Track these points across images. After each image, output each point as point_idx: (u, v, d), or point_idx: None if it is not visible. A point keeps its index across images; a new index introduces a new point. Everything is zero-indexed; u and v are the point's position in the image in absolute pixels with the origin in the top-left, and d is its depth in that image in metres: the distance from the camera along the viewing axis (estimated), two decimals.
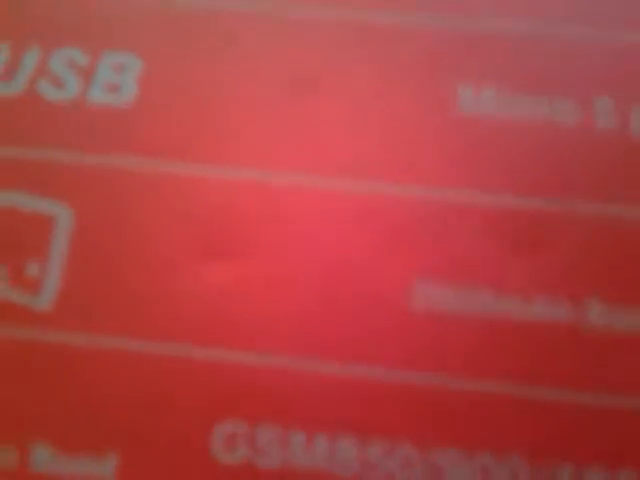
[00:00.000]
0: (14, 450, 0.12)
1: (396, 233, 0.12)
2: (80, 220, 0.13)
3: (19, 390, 0.12)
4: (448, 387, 0.12)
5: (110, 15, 0.14)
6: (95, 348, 0.12)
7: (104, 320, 0.13)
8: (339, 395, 0.12)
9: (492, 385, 0.12)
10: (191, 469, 0.12)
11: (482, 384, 0.12)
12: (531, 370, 0.12)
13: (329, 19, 0.13)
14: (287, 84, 0.13)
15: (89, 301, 0.13)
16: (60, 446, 0.12)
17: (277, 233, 0.13)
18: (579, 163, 0.13)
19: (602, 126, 0.13)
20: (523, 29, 0.13)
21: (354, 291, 0.12)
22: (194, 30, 0.14)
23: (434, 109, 0.13)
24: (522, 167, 0.13)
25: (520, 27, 0.13)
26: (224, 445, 0.12)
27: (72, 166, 0.13)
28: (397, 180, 0.13)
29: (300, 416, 0.12)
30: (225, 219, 0.13)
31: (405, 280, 0.12)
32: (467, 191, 0.13)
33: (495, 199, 0.13)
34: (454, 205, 0.13)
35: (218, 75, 0.13)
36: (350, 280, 0.12)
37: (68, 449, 0.12)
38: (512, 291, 0.12)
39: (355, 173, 0.13)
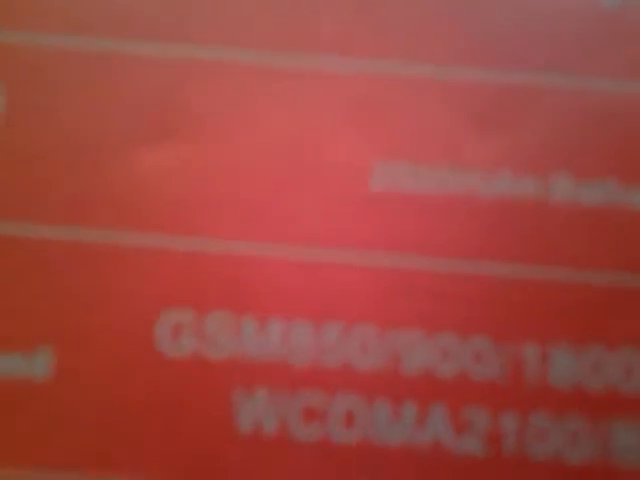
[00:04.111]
0: None
1: (356, 109, 0.11)
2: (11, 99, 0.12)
3: None
4: (406, 267, 0.11)
5: None
6: (26, 238, 0.11)
7: (32, 208, 0.11)
8: (294, 280, 0.11)
9: (453, 264, 0.11)
10: (134, 362, 0.11)
11: (442, 263, 0.11)
12: (494, 246, 0.11)
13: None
14: None
15: (17, 188, 0.11)
16: None
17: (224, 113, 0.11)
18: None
19: None
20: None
21: (310, 171, 0.11)
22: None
23: None
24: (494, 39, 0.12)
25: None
26: (170, 336, 0.11)
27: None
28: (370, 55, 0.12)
29: (252, 302, 0.11)
30: (169, 100, 0.11)
31: (365, 161, 0.11)
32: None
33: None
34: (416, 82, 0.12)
35: None
36: (305, 160, 0.11)
37: None
38: (475, 168, 0.11)
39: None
